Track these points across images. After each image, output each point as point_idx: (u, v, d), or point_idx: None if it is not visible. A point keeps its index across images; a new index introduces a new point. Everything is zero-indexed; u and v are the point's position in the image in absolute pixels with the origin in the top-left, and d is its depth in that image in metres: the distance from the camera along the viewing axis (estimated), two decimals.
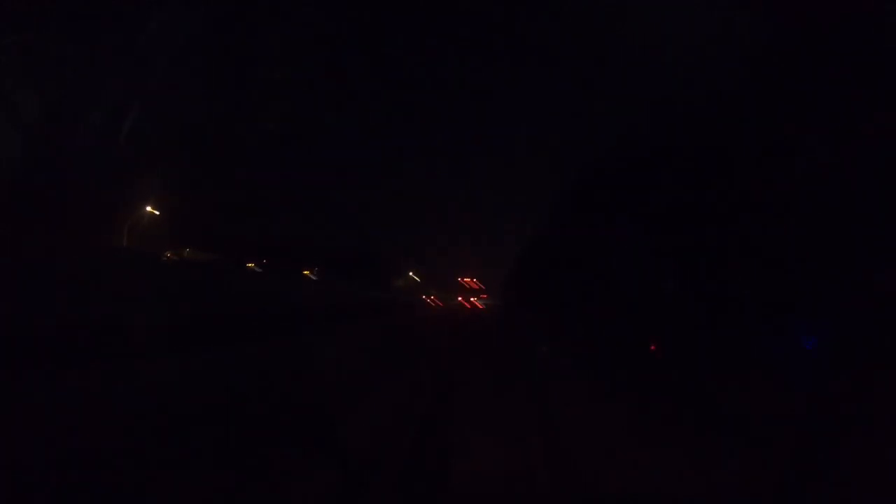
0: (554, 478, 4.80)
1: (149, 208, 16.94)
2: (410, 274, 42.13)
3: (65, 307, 9.11)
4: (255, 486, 4.19)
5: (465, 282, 44.92)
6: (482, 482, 4.64)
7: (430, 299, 44.02)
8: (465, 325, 24.09)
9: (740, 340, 8.75)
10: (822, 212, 8.39)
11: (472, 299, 44.20)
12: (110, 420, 5.01)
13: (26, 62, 11.82)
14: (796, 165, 9.06)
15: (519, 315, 25.07)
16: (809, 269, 8.46)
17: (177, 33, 12.26)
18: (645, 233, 13.55)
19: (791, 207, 8.99)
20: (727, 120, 10.23)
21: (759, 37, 9.38)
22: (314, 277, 30.71)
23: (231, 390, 6.48)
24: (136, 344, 7.81)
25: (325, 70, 13.83)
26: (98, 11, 11.80)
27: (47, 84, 11.86)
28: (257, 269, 26.79)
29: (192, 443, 4.62)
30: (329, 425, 5.41)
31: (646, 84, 13.13)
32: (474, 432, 6.02)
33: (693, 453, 5.38)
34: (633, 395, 8.41)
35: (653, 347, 11.36)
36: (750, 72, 9.49)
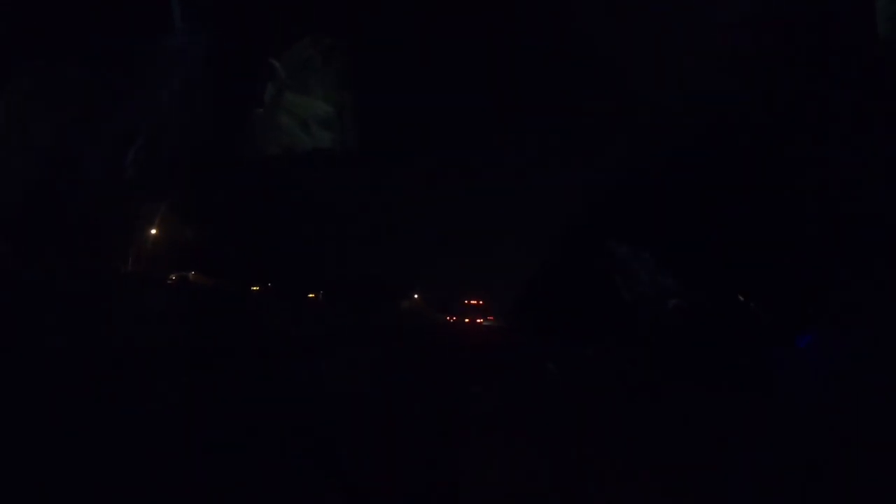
0: None
1: (154, 231, 17.10)
2: (416, 297, 42.17)
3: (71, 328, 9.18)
4: None
5: (472, 303, 44.93)
6: None
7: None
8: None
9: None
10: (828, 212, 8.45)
11: (477, 321, 44.10)
12: None
13: (38, 87, 12.04)
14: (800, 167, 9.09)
15: (526, 336, 25.07)
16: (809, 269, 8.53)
17: (185, 59, 12.47)
18: (648, 248, 13.64)
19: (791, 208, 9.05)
20: (723, 122, 10.34)
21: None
22: (319, 300, 30.78)
23: None
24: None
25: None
26: (107, 37, 12.04)
27: (58, 109, 12.05)
28: (261, 292, 26.90)
29: None
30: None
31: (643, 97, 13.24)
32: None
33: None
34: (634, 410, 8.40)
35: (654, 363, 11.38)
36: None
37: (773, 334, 8.78)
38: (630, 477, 5.37)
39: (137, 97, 12.92)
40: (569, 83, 16.83)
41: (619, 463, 5.85)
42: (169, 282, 19.64)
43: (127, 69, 12.73)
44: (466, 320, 44.35)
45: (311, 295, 30.60)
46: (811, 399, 6.44)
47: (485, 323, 43.30)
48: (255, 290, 28.08)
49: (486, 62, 17.57)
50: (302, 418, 6.66)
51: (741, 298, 10.33)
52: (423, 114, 18.94)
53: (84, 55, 11.53)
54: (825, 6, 8.73)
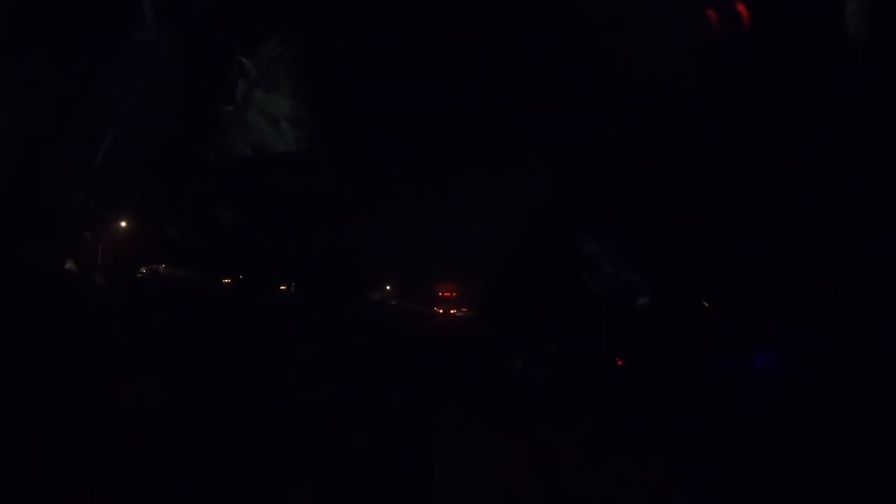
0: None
1: (123, 224, 16.99)
2: (388, 288, 42.21)
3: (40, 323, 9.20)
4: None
5: (445, 295, 45.11)
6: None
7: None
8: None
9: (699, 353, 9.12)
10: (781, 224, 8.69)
11: (451, 311, 44.32)
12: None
13: (2, 81, 11.89)
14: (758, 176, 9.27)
15: (495, 328, 25.35)
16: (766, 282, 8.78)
17: (153, 56, 12.42)
18: (615, 245, 13.90)
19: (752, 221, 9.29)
20: (691, 125, 10.54)
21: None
22: (290, 292, 30.73)
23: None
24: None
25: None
26: (76, 29, 11.93)
27: (23, 108, 11.92)
28: (232, 285, 26.79)
29: None
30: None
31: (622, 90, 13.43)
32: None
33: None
34: (601, 404, 8.67)
35: (619, 362, 11.71)
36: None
37: (731, 343, 9.05)
38: (601, 464, 5.63)
39: (105, 95, 12.84)
40: (542, 77, 17.00)
41: (590, 450, 6.11)
42: (139, 275, 19.59)
43: (93, 66, 12.63)
44: (440, 311, 44.57)
45: (282, 287, 30.58)
46: (761, 404, 6.78)
47: (458, 314, 43.55)
48: (227, 282, 28.02)
49: (456, 57, 17.71)
50: (275, 409, 6.82)
51: (705, 304, 10.62)
52: (394, 110, 19.07)
53: (49, 52, 11.43)
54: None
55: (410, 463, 5.54)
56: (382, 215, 36.09)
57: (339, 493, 4.47)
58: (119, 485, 4.27)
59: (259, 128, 13.66)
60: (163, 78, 12.91)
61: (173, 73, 13.02)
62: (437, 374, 12.04)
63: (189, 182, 16.30)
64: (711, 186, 10.21)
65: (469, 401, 9.20)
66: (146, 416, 6.13)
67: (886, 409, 5.57)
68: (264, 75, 13.64)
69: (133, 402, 6.70)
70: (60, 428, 5.50)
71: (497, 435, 6.67)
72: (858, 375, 6.13)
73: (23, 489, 3.99)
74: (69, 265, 14.51)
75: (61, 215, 13.47)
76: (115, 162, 13.53)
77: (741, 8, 9.55)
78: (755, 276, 9.11)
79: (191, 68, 13.11)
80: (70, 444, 5.08)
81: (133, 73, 12.40)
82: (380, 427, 6.67)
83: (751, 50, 9.56)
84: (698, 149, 10.59)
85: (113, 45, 12.29)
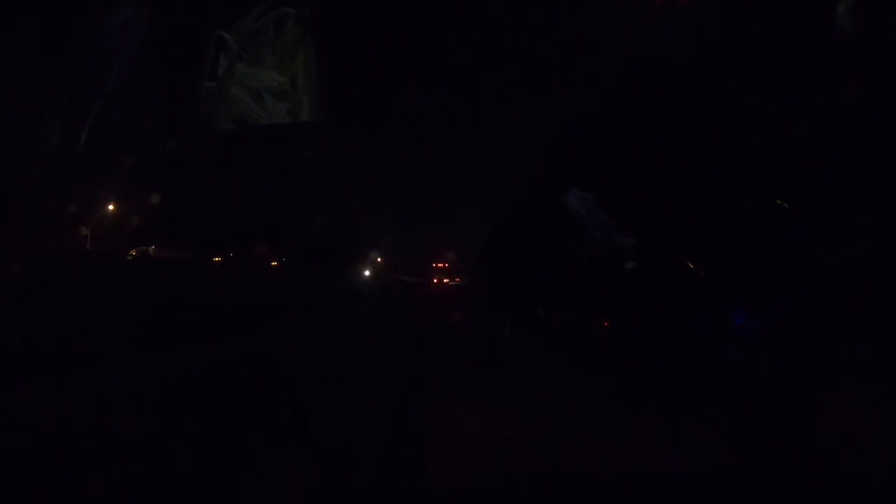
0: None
1: (111, 207, 16.90)
2: (379, 260, 42.28)
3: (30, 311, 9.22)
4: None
5: (438, 266, 45.28)
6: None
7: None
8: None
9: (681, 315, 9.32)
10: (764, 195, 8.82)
11: (444, 281, 44.52)
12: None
13: None
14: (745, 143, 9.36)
15: (485, 295, 25.56)
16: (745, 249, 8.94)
17: (134, 34, 12.28)
18: (604, 211, 14.01)
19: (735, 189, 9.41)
20: (679, 95, 10.58)
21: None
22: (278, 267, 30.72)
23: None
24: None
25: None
26: (54, 13, 11.76)
27: (8, 87, 11.80)
28: (223, 263, 26.79)
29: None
30: None
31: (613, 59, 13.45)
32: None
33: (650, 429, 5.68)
34: (588, 367, 8.81)
35: (605, 323, 11.92)
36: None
37: (713, 303, 9.24)
38: (589, 426, 5.77)
39: (86, 73, 12.70)
40: (537, 40, 16.90)
41: (580, 413, 6.26)
42: (129, 257, 19.51)
43: (73, 48, 12.49)
44: (434, 281, 44.77)
45: (273, 263, 30.57)
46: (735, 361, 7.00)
47: (451, 283, 43.80)
48: (217, 260, 27.99)
49: (441, 26, 17.53)
50: (270, 386, 6.91)
51: (690, 266, 10.80)
52: (380, 77, 18.88)
53: (28, 36, 11.28)
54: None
55: (406, 431, 5.65)
56: (371, 188, 36.01)
57: (338, 464, 4.55)
58: (111, 465, 4.32)
59: (242, 102, 13.58)
60: (143, 56, 12.78)
61: (153, 51, 12.89)
62: (430, 343, 12.16)
63: (174, 159, 16.22)
64: (702, 152, 10.30)
65: (460, 367, 9.34)
66: (139, 396, 6.21)
67: (860, 365, 5.84)
68: (245, 49, 13.51)
69: (131, 385, 6.77)
70: (53, 411, 5.57)
71: (488, 400, 6.79)
72: (834, 336, 6.36)
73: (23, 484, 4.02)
74: (57, 248, 14.48)
75: (46, 199, 13.39)
76: (99, 141, 13.44)
77: None
78: (739, 241, 9.26)
79: (171, 45, 12.98)
80: (64, 426, 5.14)
81: (113, 53, 12.27)
82: (374, 399, 6.78)
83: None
84: (684, 116, 10.64)
85: (91, 26, 12.14)
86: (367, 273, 38.24)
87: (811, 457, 4.39)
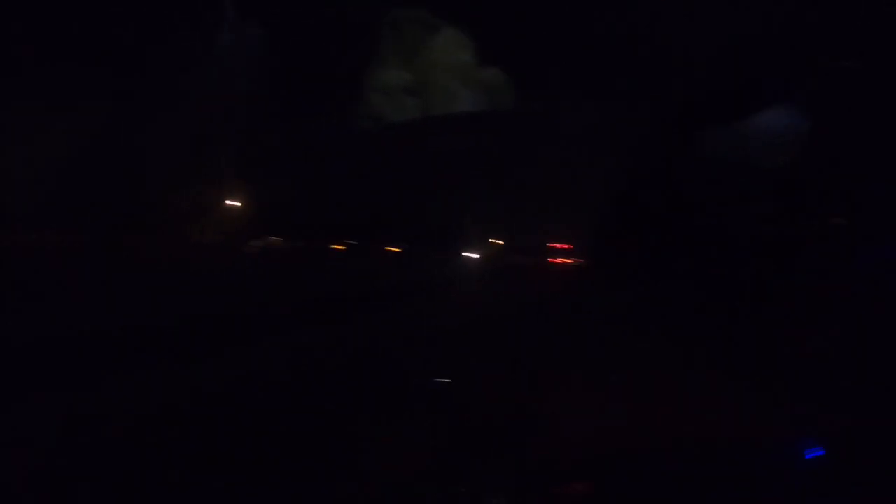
0: None
1: (228, 202, 17.83)
2: (496, 242, 41.96)
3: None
4: None
5: (557, 246, 44.26)
6: None
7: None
8: None
9: None
10: None
11: (568, 261, 43.46)
12: None
13: (99, 70, 12.71)
14: None
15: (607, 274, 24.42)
16: None
17: (243, 50, 12.83)
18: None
19: None
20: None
21: None
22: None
23: None
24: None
25: None
26: (177, 21, 12.48)
27: (120, 89, 12.68)
28: (343, 251, 27.63)
29: None
30: None
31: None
32: None
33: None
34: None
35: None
36: None
37: None
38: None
39: (203, 72, 13.42)
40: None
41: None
42: (247, 248, 20.47)
43: (195, 47, 13.21)
44: (552, 261, 43.77)
45: (392, 249, 31.13)
46: None
47: (573, 263, 42.59)
48: (338, 248, 28.90)
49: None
50: (394, 370, 6.80)
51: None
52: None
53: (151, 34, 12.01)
54: None
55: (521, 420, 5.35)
56: (493, 177, 35.79)
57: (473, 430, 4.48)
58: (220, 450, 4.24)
59: (374, 102, 14.07)
60: (257, 71, 13.36)
61: (267, 66, 13.44)
62: (551, 326, 11.57)
63: (295, 152, 16.86)
64: None
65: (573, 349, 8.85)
66: (265, 384, 6.23)
67: None
68: (374, 53, 13.90)
69: (259, 367, 6.89)
70: (174, 395, 5.65)
71: (609, 388, 6.35)
72: None
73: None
74: (179, 242, 15.52)
75: (166, 196, 14.34)
76: (212, 140, 14.20)
77: None
78: None
79: (289, 58, 13.49)
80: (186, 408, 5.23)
81: (222, 71, 12.90)
82: (500, 379, 6.55)
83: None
84: None
85: (200, 47, 12.82)
86: (481, 256, 38.05)
87: None
